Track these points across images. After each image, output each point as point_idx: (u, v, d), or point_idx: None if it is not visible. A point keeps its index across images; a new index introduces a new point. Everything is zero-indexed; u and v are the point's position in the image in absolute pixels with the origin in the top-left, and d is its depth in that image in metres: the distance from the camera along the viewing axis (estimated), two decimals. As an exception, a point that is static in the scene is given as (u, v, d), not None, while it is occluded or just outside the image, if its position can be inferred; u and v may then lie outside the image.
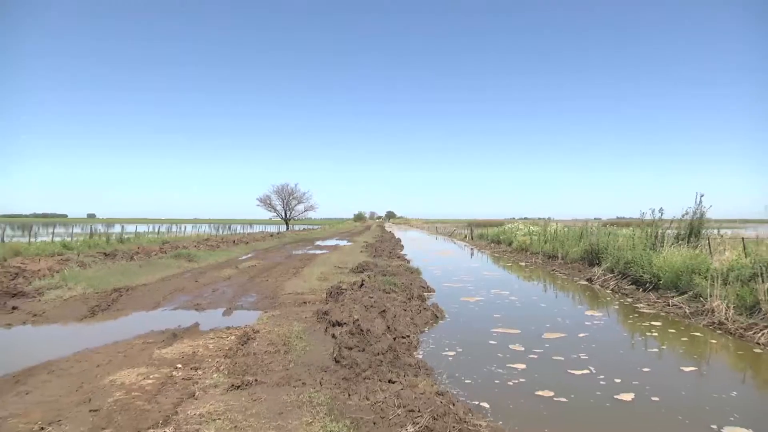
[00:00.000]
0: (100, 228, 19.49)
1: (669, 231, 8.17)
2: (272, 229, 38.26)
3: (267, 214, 45.05)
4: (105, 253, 10.32)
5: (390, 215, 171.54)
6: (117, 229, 19.63)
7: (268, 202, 42.48)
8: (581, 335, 4.62)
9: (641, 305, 6.24)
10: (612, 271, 8.35)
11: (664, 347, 4.24)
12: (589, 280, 8.60)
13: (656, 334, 4.71)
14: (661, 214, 8.36)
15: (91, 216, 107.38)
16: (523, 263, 12.33)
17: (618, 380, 3.30)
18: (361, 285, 6.07)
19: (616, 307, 6.26)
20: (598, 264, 9.30)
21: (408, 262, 11.68)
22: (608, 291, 7.51)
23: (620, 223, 17.87)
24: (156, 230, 21.29)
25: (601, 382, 3.26)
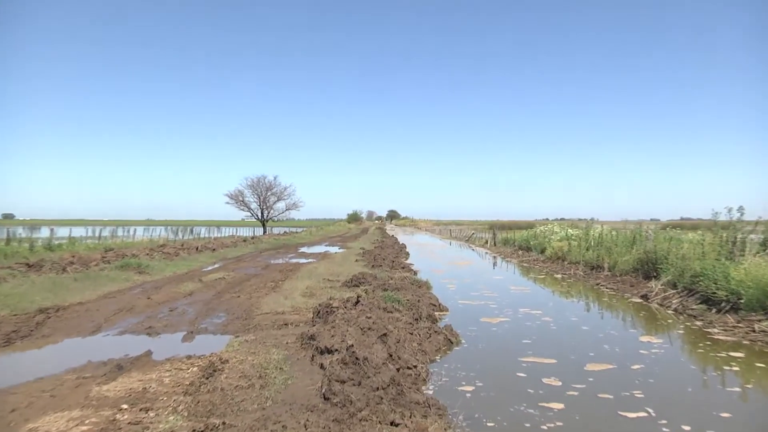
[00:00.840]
0: (21, 232, 19.04)
1: (752, 236, 7.88)
2: (245, 232, 38.45)
3: (239, 214, 45.25)
4: (27, 264, 10.00)
5: (392, 215, 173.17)
6: (44, 233, 19.23)
7: (240, 198, 42.67)
8: (635, 367, 4.56)
9: (715, 330, 6.14)
10: (674, 286, 8.25)
11: (749, 386, 4.07)
12: (645, 297, 8.57)
13: (738, 368, 4.57)
14: (741, 214, 7.94)
15: (9, 216, 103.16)
16: (559, 275, 12.37)
17: (687, 428, 3.18)
18: (357, 302, 6.08)
19: (681, 331, 6.21)
20: (655, 277, 9.23)
21: (415, 273, 11.73)
22: (670, 311, 7.46)
23: (684, 225, 17.86)
24: (97, 234, 21.09)
25: (664, 429, 3.15)
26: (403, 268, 12.73)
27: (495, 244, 24.05)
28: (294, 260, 15.75)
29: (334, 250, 21.29)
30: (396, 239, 31.84)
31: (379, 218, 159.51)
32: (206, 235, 29.02)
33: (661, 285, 8.57)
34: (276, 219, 44.79)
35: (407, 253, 19.55)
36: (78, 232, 21.04)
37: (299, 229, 49.50)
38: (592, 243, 13.65)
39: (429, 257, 18.47)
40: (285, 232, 42.02)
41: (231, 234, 34.40)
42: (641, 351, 5.20)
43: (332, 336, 4.58)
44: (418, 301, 7.08)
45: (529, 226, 28.64)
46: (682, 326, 6.49)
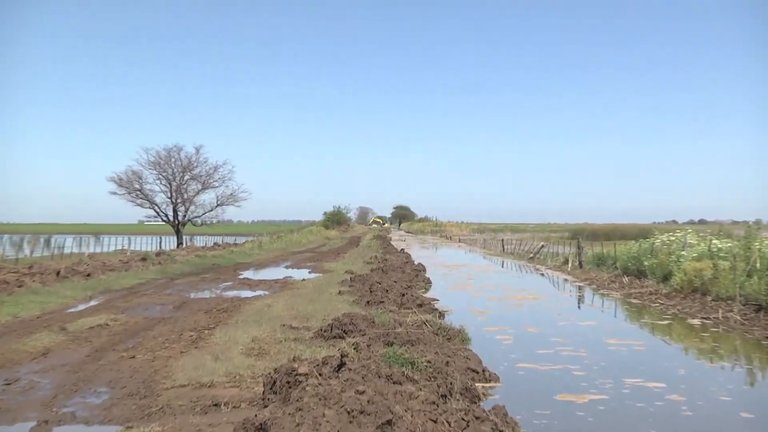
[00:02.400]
0: None
1: None
2: (144, 244, 38.49)
3: (133, 213, 45.28)
4: None
5: (402, 215, 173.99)
6: None
7: (137, 186, 42.63)
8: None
9: None
10: None
11: None
12: None
13: None
14: None
15: None
16: (696, 320, 12.38)
17: None
18: (341, 366, 6.08)
19: None
20: None
21: (441, 315, 11.73)
22: None
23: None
24: None
25: None
26: (420, 306, 12.72)
27: (581, 265, 24.11)
28: (232, 293, 15.76)
29: (301, 274, 21.38)
30: (409, 256, 31.93)
31: (380, 220, 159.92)
32: (76, 251, 29.06)
33: None
34: (201, 221, 44.73)
35: (427, 281, 19.56)
36: None
37: (242, 239, 49.72)
38: (758, 264, 13.63)
39: (465, 287, 18.47)
40: (217, 243, 42.15)
41: (121, 248, 34.37)
42: None
43: (297, 427, 4.57)
44: (447, 363, 7.08)
45: (640, 234, 28.53)
46: None
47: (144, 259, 24.42)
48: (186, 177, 43.26)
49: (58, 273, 17.67)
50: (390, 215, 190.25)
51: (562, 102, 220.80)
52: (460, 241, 64.55)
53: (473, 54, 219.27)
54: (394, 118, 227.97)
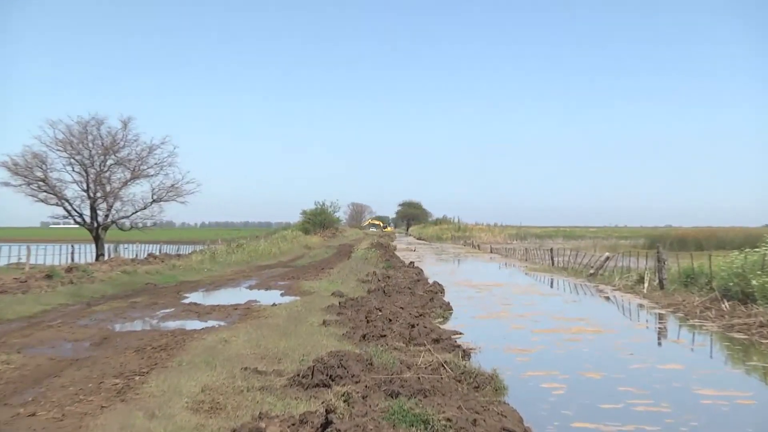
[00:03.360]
0: None
1: None
2: (50, 256, 38.34)
3: (36, 213, 44.85)
4: None
5: (411, 215, 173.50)
6: None
7: (38, 175, 42.51)
8: None
9: None
10: None
11: None
12: None
13: None
14: None
15: None
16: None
17: None
18: (326, 426, 6.09)
19: None
20: None
21: (465, 355, 11.72)
22: None
23: None
24: None
25: None
26: (436, 341, 12.71)
27: (661, 285, 24.02)
28: (173, 324, 15.70)
29: (270, 297, 21.32)
30: (421, 271, 31.88)
31: (379, 222, 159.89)
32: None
33: None
34: (130, 224, 44.48)
35: (447, 306, 19.54)
36: None
37: (188, 249, 49.90)
38: None
39: (499, 316, 18.45)
40: (153, 255, 41.92)
41: (16, 261, 34.21)
42: None
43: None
44: (474, 422, 7.07)
45: (746, 241, 28.35)
46: None
47: (49, 277, 24.25)
48: (109, 162, 43.00)
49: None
50: (394, 215, 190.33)
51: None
52: (492, 252, 64.53)
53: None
54: (400, 85, 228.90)
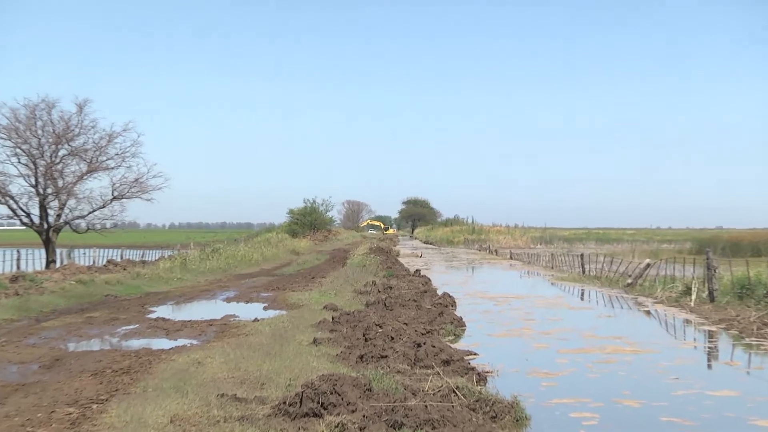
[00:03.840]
0: None
1: None
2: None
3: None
4: None
5: (418, 216, 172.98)
6: None
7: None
8: None
9: None
10: None
11: None
12: None
13: None
14: None
15: None
16: None
17: None
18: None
19: None
20: None
21: (480, 380, 11.74)
22: None
23: None
24: None
25: None
26: (447, 363, 12.76)
27: (712, 298, 24.03)
28: (138, 342, 15.77)
29: (252, 311, 21.38)
30: (428, 281, 31.97)
31: (380, 223, 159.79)
32: None
33: None
34: (87, 225, 44.31)
35: (459, 322, 19.65)
36: None
37: (155, 254, 49.97)
38: None
39: (520, 333, 18.58)
40: (113, 261, 41.92)
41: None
42: None
43: None
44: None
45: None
46: None
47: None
48: (62, 152, 43.00)
49: None
50: (397, 215, 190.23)
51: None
52: (512, 258, 64.43)
53: None
54: (404, 72, 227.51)
